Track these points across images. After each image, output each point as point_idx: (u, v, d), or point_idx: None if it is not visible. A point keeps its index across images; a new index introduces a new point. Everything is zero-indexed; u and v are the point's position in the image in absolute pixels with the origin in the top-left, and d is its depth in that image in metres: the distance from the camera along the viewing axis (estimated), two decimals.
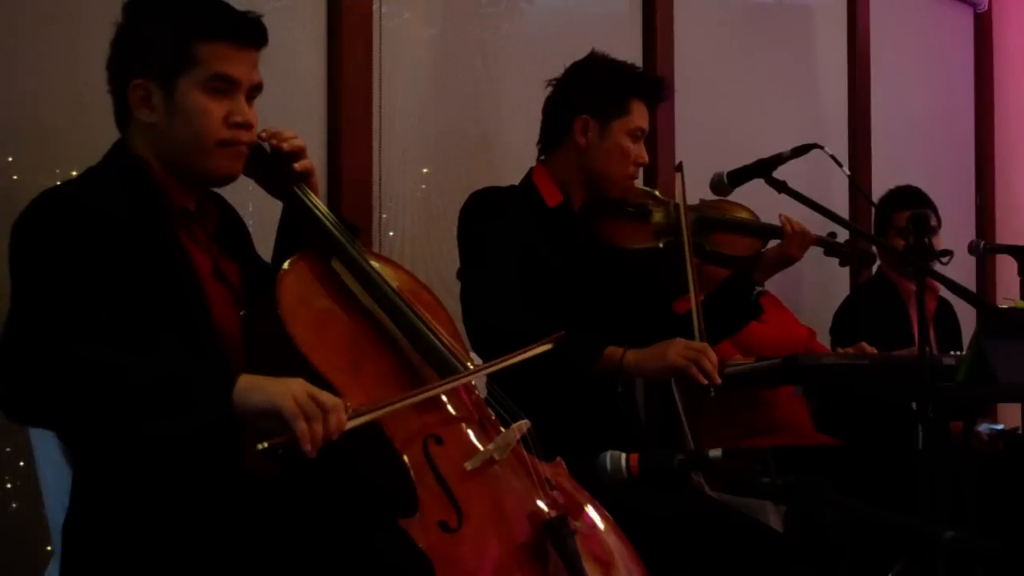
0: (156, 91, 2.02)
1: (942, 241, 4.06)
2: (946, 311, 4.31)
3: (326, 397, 1.82)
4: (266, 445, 1.77)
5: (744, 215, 3.17)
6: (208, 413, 1.80)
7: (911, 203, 4.04)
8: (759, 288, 3.04)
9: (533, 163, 2.97)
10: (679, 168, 2.98)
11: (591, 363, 2.64)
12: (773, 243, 3.24)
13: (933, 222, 4.04)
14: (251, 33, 2.07)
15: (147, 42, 2.02)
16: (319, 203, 2.20)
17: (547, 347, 2.19)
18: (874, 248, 3.72)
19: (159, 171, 2.04)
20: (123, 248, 1.93)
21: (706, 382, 2.58)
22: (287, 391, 1.80)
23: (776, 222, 3.21)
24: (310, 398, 1.80)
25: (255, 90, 2.09)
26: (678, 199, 2.96)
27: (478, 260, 2.73)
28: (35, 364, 1.78)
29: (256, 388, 1.81)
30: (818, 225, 3.22)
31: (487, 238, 2.74)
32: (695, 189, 3.03)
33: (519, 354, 2.17)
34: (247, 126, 2.06)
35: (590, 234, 2.93)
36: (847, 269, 4.44)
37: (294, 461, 1.84)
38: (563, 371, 2.54)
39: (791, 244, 3.17)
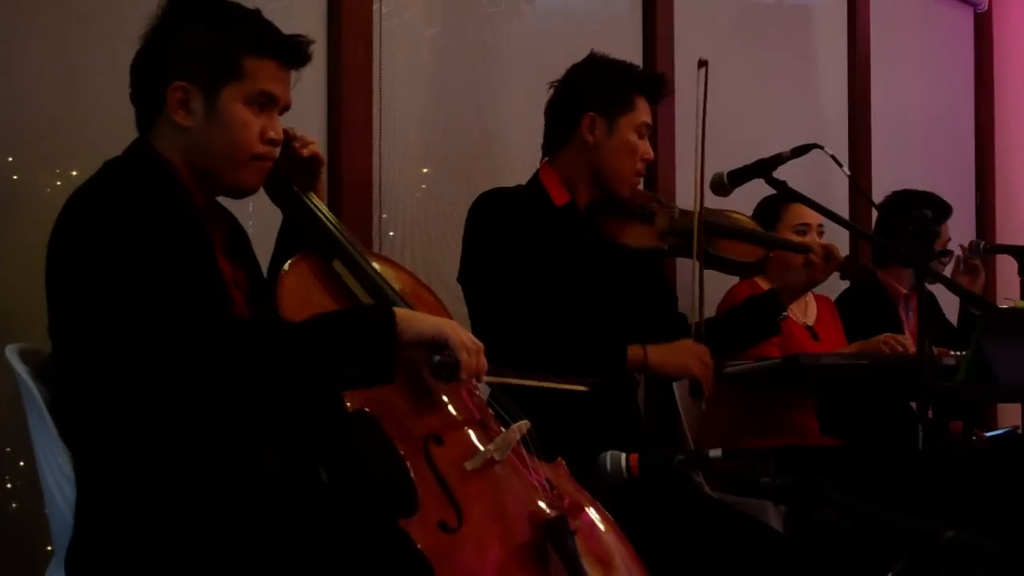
0: (197, 96, 2.01)
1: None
2: (934, 311, 4.30)
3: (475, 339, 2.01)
4: (438, 359, 1.96)
5: (746, 222, 3.17)
6: (381, 344, 1.90)
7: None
8: (783, 313, 3.06)
9: (534, 163, 2.97)
10: (703, 64, 2.93)
11: (622, 370, 2.70)
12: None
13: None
14: (300, 56, 2.10)
15: (195, 47, 2.02)
16: (321, 204, 2.21)
17: (582, 388, 2.35)
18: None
19: (184, 173, 2.04)
20: (183, 246, 1.93)
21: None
22: (451, 324, 2.00)
23: None
24: (468, 336, 2.00)
25: (285, 109, 2.11)
26: (698, 99, 2.92)
27: (484, 269, 2.74)
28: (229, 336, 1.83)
29: (419, 318, 1.99)
30: None
31: (495, 248, 2.74)
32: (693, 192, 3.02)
33: (553, 381, 2.28)
34: (279, 143, 2.09)
35: (596, 232, 2.93)
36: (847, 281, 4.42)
37: (450, 376, 1.99)
38: (600, 384, 2.55)
39: (819, 269, 3.04)
